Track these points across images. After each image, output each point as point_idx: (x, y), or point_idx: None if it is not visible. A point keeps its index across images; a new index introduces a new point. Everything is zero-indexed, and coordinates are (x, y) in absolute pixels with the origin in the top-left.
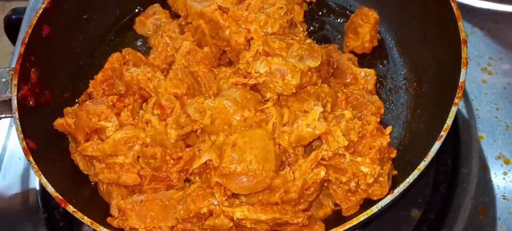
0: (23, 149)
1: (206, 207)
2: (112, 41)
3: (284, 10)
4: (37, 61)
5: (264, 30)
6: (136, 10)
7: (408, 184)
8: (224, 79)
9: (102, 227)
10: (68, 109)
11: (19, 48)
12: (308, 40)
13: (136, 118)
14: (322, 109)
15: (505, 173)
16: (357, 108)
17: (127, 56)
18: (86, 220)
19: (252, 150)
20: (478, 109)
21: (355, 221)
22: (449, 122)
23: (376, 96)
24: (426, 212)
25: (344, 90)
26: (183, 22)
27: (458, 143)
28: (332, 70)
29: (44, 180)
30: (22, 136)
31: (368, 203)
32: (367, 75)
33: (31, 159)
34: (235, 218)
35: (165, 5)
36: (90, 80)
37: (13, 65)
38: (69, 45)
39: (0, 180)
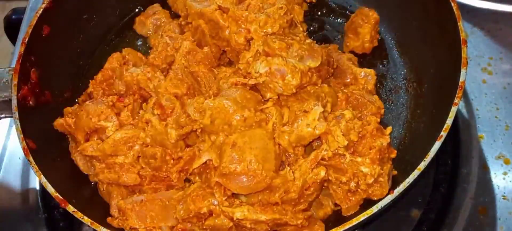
0: (23, 149)
1: (206, 207)
2: (112, 41)
3: (284, 10)
4: (37, 61)
5: (264, 30)
6: (136, 10)
7: (408, 184)
8: (224, 79)
9: (102, 227)
10: (68, 109)
11: (19, 48)
12: (308, 40)
13: (136, 117)
14: (322, 109)
15: (505, 173)
16: (357, 109)
17: (127, 56)
18: (86, 220)
19: (252, 149)
20: (478, 109)
21: (355, 221)
22: (449, 122)
23: (376, 96)
24: (426, 212)
25: (344, 90)
26: (183, 22)
27: (458, 143)
28: (332, 70)
29: (44, 180)
30: (22, 136)
31: (368, 203)
32: (367, 75)
33: (31, 159)
34: (235, 218)
35: (165, 5)
36: (90, 80)
37: (13, 65)
38: (69, 45)
39: (0, 180)
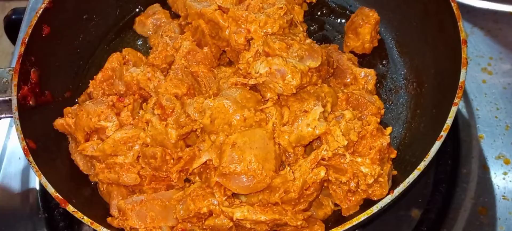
0: (23, 149)
1: (206, 207)
2: (112, 41)
3: (284, 10)
4: (37, 61)
5: (264, 30)
6: (136, 10)
7: (408, 184)
8: (224, 79)
9: (102, 227)
10: (68, 109)
11: (19, 48)
12: (308, 40)
13: (136, 117)
14: (322, 109)
15: (505, 173)
16: (357, 109)
17: (127, 56)
18: (86, 220)
19: (252, 149)
20: (478, 109)
21: (355, 221)
22: (449, 122)
23: (376, 97)
24: (426, 212)
25: (344, 90)
26: (183, 22)
27: (458, 143)
28: (332, 70)
29: (44, 180)
30: (22, 136)
31: (368, 203)
32: (367, 75)
33: (31, 159)
34: (235, 218)
35: (165, 5)
36: (90, 80)
37: (13, 65)
38: (69, 45)
39: (0, 180)
